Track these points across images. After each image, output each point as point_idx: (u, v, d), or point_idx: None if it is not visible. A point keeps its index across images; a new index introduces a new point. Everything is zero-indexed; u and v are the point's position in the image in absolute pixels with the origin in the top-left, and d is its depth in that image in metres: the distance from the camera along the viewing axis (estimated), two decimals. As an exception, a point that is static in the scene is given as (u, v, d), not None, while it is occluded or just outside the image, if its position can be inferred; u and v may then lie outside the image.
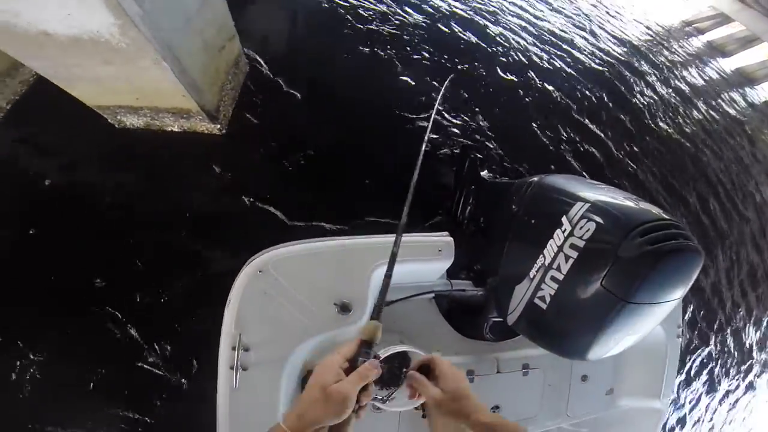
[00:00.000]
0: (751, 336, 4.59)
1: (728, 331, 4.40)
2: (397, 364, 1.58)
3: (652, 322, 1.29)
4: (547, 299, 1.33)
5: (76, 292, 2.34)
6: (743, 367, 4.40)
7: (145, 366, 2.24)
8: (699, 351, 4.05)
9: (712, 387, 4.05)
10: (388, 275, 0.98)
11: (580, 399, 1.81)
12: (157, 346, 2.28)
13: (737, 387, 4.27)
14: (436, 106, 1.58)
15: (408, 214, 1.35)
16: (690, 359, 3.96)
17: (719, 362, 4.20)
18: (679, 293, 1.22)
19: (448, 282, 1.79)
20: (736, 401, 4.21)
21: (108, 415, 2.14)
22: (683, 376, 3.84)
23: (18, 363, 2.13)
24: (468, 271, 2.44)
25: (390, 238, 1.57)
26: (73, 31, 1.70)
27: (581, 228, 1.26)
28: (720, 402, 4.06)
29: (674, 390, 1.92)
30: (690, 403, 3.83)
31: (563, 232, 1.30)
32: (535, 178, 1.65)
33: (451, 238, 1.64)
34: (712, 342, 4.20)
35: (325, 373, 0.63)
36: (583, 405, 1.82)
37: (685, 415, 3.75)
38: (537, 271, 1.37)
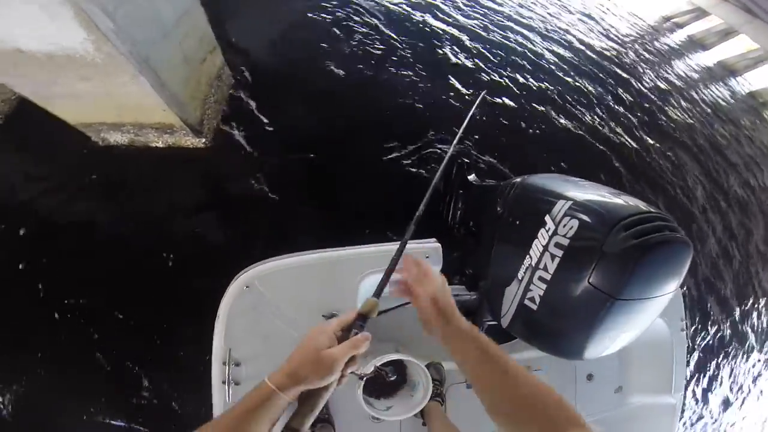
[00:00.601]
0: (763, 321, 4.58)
1: (737, 318, 4.38)
2: (392, 376, 1.57)
3: (647, 318, 1.26)
4: (537, 300, 1.30)
5: (66, 309, 2.31)
6: (756, 355, 4.37)
7: (140, 391, 2.20)
8: (706, 342, 4.02)
9: (723, 377, 4.00)
10: (396, 259, 0.97)
11: (588, 399, 1.77)
12: (148, 366, 2.25)
13: (750, 374, 4.23)
14: (465, 122, 1.51)
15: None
16: (698, 351, 3.93)
17: (729, 352, 4.17)
18: (670, 287, 1.20)
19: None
20: (750, 390, 4.15)
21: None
22: (694, 369, 3.80)
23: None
24: (461, 276, 2.42)
25: (376, 247, 1.57)
26: (47, 47, 1.68)
27: (565, 226, 1.24)
28: (733, 391, 4.01)
29: (685, 383, 1.87)
30: (703, 395, 3.78)
31: (547, 232, 1.28)
32: (518, 179, 1.64)
33: (439, 244, 1.63)
34: (719, 332, 4.17)
35: (320, 336, 0.66)
36: (591, 405, 1.78)
37: (699, 407, 3.70)
38: (525, 272, 1.35)
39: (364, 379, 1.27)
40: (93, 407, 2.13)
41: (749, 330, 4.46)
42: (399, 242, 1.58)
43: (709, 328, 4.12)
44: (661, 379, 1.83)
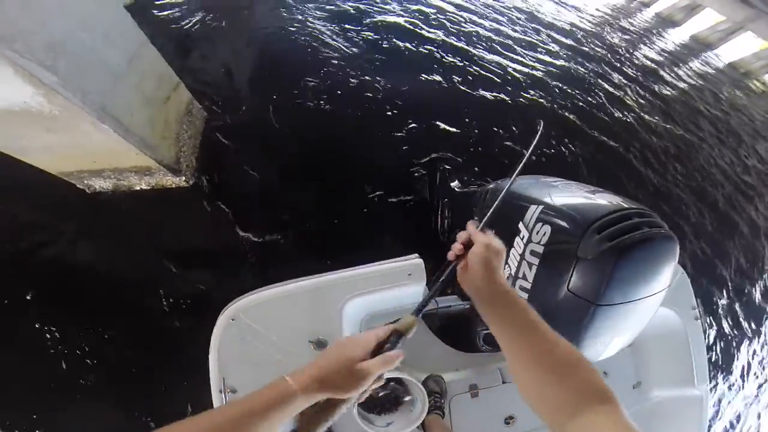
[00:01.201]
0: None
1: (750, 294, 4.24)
2: (393, 394, 1.52)
3: (641, 319, 1.21)
4: (519, 311, 1.25)
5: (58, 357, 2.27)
6: None
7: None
8: (727, 329, 3.87)
9: (749, 363, 3.85)
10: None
11: None
12: (145, 405, 2.22)
13: None
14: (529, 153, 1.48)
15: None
16: (720, 337, 3.78)
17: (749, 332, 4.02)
18: (658, 285, 1.14)
19: (433, 300, 1.74)
20: None
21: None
22: (717, 358, 3.65)
23: None
24: (453, 286, 2.36)
25: (356, 270, 1.55)
26: (2, 104, 1.66)
27: (538, 233, 1.19)
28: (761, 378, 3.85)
29: (710, 373, 1.78)
30: (731, 385, 3.63)
31: (522, 240, 1.24)
32: (491, 185, 1.61)
33: (420, 260, 1.60)
34: (734, 313, 4.03)
35: (356, 348, 0.63)
36: None
37: (731, 394, 3.55)
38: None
39: (356, 403, 1.22)
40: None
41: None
42: (377, 263, 1.57)
43: (723, 310, 3.98)
44: (681, 370, 1.77)
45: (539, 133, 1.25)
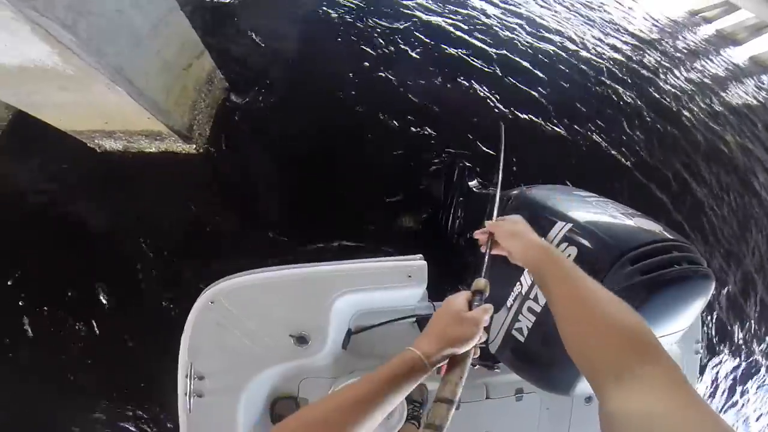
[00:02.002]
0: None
1: (750, 341, 4.03)
2: None
3: None
4: (525, 332, 1.17)
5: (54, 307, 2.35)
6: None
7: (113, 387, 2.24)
8: (719, 365, 3.72)
9: (733, 402, 3.71)
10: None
11: (586, 422, 1.66)
12: (121, 366, 2.27)
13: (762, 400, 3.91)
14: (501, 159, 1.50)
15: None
16: (711, 373, 3.64)
17: (740, 375, 3.85)
18: (682, 323, 1.04)
19: (431, 304, 1.67)
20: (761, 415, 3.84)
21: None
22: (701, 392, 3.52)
23: None
24: (455, 291, 2.27)
25: (353, 264, 1.48)
26: (17, 60, 1.63)
27: (562, 252, 1.07)
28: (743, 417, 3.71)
29: None
30: None
31: (542, 258, 1.12)
32: (516, 191, 1.48)
33: (424, 262, 1.52)
34: (733, 355, 3.85)
35: (457, 303, 0.70)
36: (588, 427, 1.67)
37: None
38: (514, 301, 1.21)
39: None
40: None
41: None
42: (377, 259, 1.50)
43: (723, 349, 3.80)
44: None
45: (502, 138, 1.20)
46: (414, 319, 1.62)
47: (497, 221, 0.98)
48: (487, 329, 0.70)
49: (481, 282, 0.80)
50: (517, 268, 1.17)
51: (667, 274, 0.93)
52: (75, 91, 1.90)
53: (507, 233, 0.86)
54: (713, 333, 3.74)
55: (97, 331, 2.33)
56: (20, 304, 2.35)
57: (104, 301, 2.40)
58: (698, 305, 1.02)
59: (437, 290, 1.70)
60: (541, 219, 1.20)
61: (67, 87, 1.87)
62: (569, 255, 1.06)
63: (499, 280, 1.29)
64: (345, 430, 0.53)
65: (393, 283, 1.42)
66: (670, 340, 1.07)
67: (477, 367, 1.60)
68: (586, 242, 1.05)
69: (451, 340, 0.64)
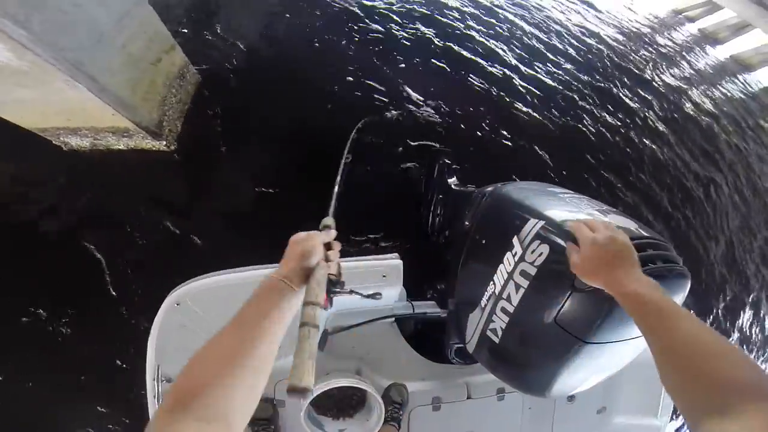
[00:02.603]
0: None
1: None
2: (353, 396, 1.48)
3: (623, 359, 1.12)
4: (499, 333, 1.15)
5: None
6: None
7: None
8: None
9: None
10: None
11: (568, 420, 1.67)
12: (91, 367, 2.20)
13: None
14: (345, 155, 1.57)
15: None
16: None
17: None
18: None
19: (409, 304, 1.67)
20: None
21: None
22: None
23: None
24: (432, 291, 2.26)
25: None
26: None
27: (533, 252, 1.06)
28: None
29: (672, 406, 1.75)
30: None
31: (514, 256, 1.11)
32: (490, 188, 1.46)
33: (400, 261, 1.50)
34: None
35: (302, 233, 0.79)
36: (571, 426, 1.69)
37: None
38: (488, 300, 1.19)
39: (303, 409, 1.25)
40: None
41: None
42: (351, 259, 1.47)
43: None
44: (647, 401, 1.74)
45: (353, 134, 1.24)
46: (393, 319, 1.62)
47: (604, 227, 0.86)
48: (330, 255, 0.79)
49: (328, 220, 0.97)
50: (492, 266, 1.17)
51: (641, 273, 0.92)
52: (33, 88, 1.80)
53: (612, 245, 0.77)
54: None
55: (65, 333, 2.25)
56: None
57: (71, 304, 2.31)
58: None
59: (415, 289, 1.69)
60: (515, 216, 1.18)
61: (24, 83, 1.77)
62: (541, 253, 1.04)
63: (473, 280, 1.29)
64: (230, 361, 0.54)
65: (367, 283, 1.39)
66: (640, 345, 1.06)
67: (456, 365, 1.61)
68: (558, 240, 1.03)
69: (296, 255, 0.73)
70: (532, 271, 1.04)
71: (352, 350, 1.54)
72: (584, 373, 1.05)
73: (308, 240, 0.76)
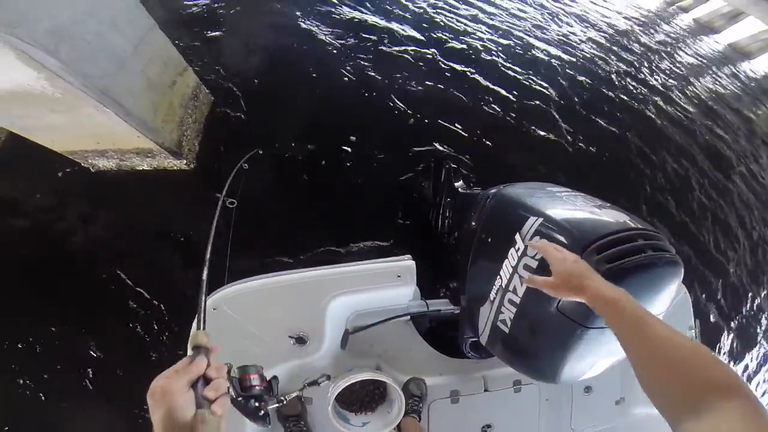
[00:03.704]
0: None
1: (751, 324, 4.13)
2: (375, 390, 1.53)
3: None
4: (509, 323, 1.23)
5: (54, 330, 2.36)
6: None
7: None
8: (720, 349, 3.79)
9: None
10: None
11: (586, 411, 1.70)
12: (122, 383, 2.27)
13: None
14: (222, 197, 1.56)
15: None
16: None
17: (745, 358, 3.94)
18: (654, 310, 1.09)
19: (424, 302, 1.72)
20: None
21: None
22: None
23: None
24: (446, 289, 2.32)
25: (344, 268, 1.54)
26: (6, 85, 1.67)
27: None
28: None
29: None
30: None
31: (517, 252, 1.19)
32: (494, 190, 1.55)
33: (412, 262, 1.58)
34: (732, 340, 3.94)
35: (154, 382, 0.57)
36: (589, 417, 1.71)
37: None
38: (496, 294, 1.27)
39: (333, 398, 1.29)
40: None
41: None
42: (367, 262, 1.55)
43: (723, 332, 3.89)
44: None
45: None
46: (408, 317, 1.67)
47: (557, 247, 0.96)
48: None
49: (199, 336, 0.67)
50: (498, 262, 1.25)
51: (631, 261, 0.98)
52: (65, 113, 1.94)
53: (574, 266, 0.84)
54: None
55: (94, 349, 2.34)
56: (11, 324, 2.36)
57: (100, 320, 2.42)
58: (667, 291, 1.07)
59: (429, 288, 1.75)
60: (516, 215, 1.26)
61: (56, 109, 1.91)
62: (541, 247, 1.12)
63: (482, 276, 1.37)
64: None
65: (383, 284, 1.49)
66: None
67: (472, 359, 1.65)
68: (556, 235, 1.11)
69: (158, 421, 0.53)
70: (534, 264, 1.12)
71: (371, 348, 1.60)
72: (591, 359, 1.11)
73: (166, 394, 0.55)
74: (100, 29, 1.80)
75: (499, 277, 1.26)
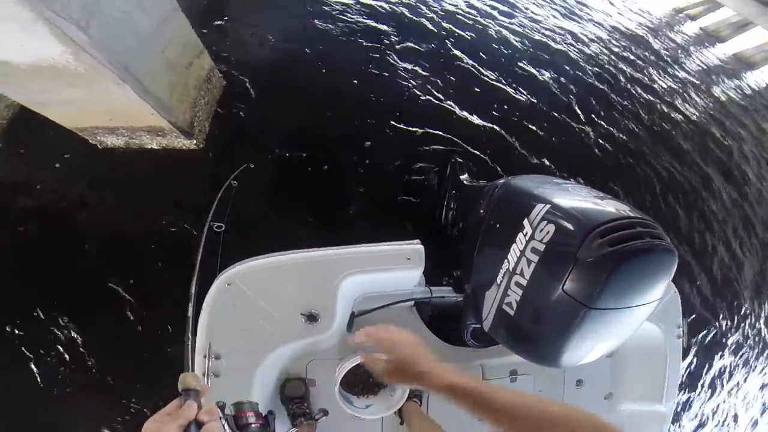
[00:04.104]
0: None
1: (738, 326, 4.24)
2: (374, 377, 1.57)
3: (628, 327, 1.22)
4: (514, 306, 1.27)
5: (56, 306, 2.41)
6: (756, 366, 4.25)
7: (124, 373, 2.30)
8: (704, 350, 3.90)
9: (719, 387, 3.90)
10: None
11: (576, 404, 1.74)
12: (135, 353, 2.35)
13: (747, 386, 4.11)
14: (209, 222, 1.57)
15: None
16: (696, 359, 3.83)
17: (728, 361, 4.05)
18: (651, 296, 1.15)
19: (428, 289, 1.77)
20: (747, 403, 4.05)
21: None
22: (689, 378, 3.70)
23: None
24: (449, 277, 2.39)
25: (356, 248, 1.58)
26: (30, 59, 1.71)
27: (541, 231, 1.20)
28: (726, 404, 3.91)
29: (678, 392, 1.82)
30: (695, 406, 3.70)
31: (525, 236, 1.25)
32: (502, 180, 1.61)
33: (422, 246, 1.61)
34: (719, 340, 4.05)
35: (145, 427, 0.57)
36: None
37: (691, 417, 3.62)
38: (503, 277, 1.32)
39: (339, 379, 1.32)
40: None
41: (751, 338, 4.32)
42: (378, 244, 1.60)
43: (708, 334, 4.00)
44: (653, 386, 1.79)
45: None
46: (412, 303, 1.72)
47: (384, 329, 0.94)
48: None
49: (189, 379, 0.65)
50: (505, 246, 1.31)
51: (633, 245, 1.04)
52: (83, 88, 1.97)
53: (408, 352, 0.80)
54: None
55: (95, 328, 2.39)
56: (15, 301, 2.40)
57: (101, 299, 2.46)
58: (663, 278, 1.13)
59: (433, 277, 1.81)
60: (524, 202, 1.32)
61: (75, 84, 1.95)
62: (548, 232, 1.18)
63: (489, 261, 1.43)
64: None
65: (393, 265, 1.52)
66: (644, 313, 1.18)
67: (472, 348, 1.69)
68: (562, 221, 1.17)
69: None
70: (541, 247, 1.17)
71: None
72: (591, 341, 1.17)
73: None
74: (128, 7, 1.85)
75: (506, 260, 1.31)
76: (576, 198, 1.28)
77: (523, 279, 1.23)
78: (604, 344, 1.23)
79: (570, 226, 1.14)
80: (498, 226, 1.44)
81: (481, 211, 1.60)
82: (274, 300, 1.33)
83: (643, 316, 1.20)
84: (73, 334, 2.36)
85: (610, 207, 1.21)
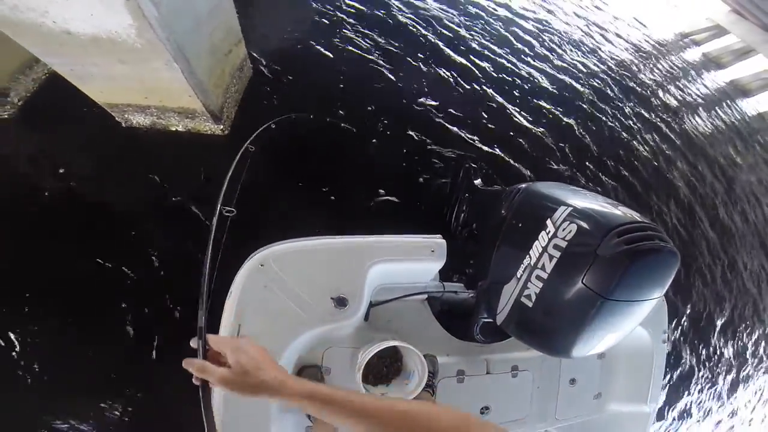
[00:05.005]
0: (743, 340, 4.71)
1: (717, 334, 4.50)
2: (388, 361, 1.64)
3: (633, 321, 1.37)
4: (533, 297, 1.40)
5: (73, 287, 2.39)
6: (732, 371, 4.51)
7: (147, 356, 2.31)
8: (686, 355, 4.13)
9: (699, 391, 4.12)
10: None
11: (569, 402, 1.86)
12: (159, 335, 2.35)
13: (724, 391, 4.36)
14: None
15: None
16: (677, 363, 4.05)
17: (707, 367, 4.28)
18: (656, 292, 1.31)
19: (441, 284, 1.87)
20: (723, 406, 4.28)
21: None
22: (671, 381, 3.91)
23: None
24: (460, 275, 2.52)
25: (385, 237, 1.68)
26: (93, 30, 1.78)
27: (564, 230, 1.35)
28: (707, 407, 4.14)
29: (661, 394, 1.94)
30: (677, 407, 3.90)
31: (547, 234, 1.39)
32: (523, 185, 1.76)
33: (444, 241, 1.71)
34: (699, 346, 4.29)
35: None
36: (571, 408, 1.87)
37: (671, 419, 3.82)
38: (524, 271, 1.45)
39: (362, 366, 1.35)
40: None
41: (731, 345, 4.59)
42: (403, 235, 1.69)
43: (689, 340, 4.24)
44: (638, 388, 1.91)
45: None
46: (425, 296, 1.81)
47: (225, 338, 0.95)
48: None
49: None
50: (528, 244, 1.45)
51: (645, 245, 1.20)
52: (133, 65, 2.05)
53: (251, 360, 0.71)
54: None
55: (110, 311, 2.38)
56: (30, 278, 2.36)
57: (112, 281, 2.43)
58: (668, 276, 1.29)
59: (442, 274, 1.92)
60: (547, 205, 1.48)
61: (126, 60, 2.02)
62: (570, 231, 1.33)
63: (509, 257, 1.57)
64: None
65: (418, 256, 1.59)
66: (646, 308, 1.33)
67: (479, 343, 1.77)
68: (582, 221, 1.32)
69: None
70: (563, 244, 1.32)
71: (388, 324, 1.70)
72: (602, 331, 1.30)
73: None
74: (189, -13, 1.90)
75: (528, 256, 1.44)
76: (593, 202, 1.44)
77: (544, 273, 1.36)
78: (611, 336, 1.37)
79: (590, 227, 1.29)
80: (520, 225, 1.59)
81: (503, 212, 1.75)
82: (305, 283, 1.33)
83: (645, 313, 1.35)
84: (83, 317, 2.34)
85: (623, 211, 1.37)
